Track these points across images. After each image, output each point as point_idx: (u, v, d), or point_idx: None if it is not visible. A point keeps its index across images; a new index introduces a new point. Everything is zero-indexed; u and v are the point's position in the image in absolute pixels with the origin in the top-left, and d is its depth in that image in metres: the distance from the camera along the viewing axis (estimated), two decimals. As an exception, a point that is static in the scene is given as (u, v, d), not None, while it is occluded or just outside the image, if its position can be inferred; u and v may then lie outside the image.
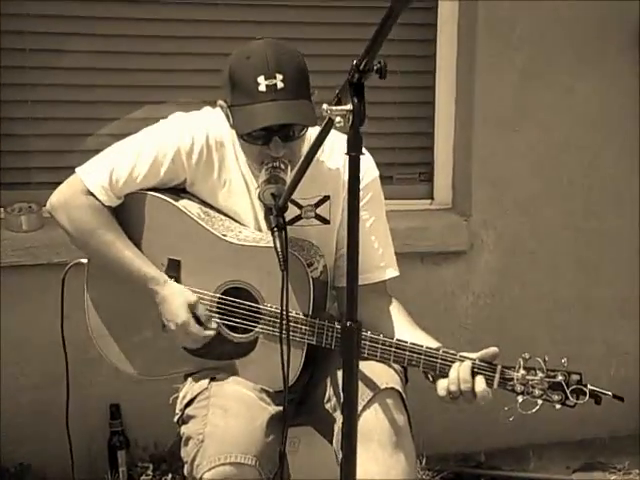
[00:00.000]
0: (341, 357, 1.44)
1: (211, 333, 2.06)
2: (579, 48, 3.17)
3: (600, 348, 3.45)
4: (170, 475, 2.86)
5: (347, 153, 1.35)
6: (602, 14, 3.14)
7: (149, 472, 2.84)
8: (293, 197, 2.09)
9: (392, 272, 2.24)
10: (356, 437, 1.59)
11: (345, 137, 2.14)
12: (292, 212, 2.11)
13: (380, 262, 2.20)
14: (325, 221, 2.17)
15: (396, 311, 2.19)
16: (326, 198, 2.16)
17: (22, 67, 2.95)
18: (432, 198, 3.33)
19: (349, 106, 1.33)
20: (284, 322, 1.93)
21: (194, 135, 2.08)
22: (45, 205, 2.78)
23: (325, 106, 1.35)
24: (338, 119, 1.32)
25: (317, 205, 2.15)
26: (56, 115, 3.03)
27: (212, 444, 1.94)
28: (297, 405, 2.20)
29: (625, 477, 3.18)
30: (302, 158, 1.74)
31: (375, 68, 1.29)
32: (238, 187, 2.15)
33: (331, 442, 2.11)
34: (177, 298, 2.05)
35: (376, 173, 2.19)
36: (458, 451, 3.29)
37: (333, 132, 2.18)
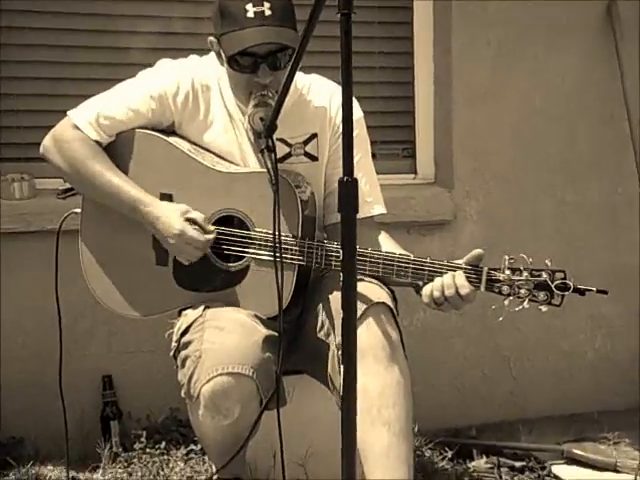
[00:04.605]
0: (339, 213, 1.48)
1: (211, 237, 2.09)
2: (551, 23, 3.31)
3: (584, 321, 3.50)
4: (164, 444, 2.84)
5: (339, 12, 1.42)
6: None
7: (142, 439, 2.81)
8: (282, 136, 2.18)
9: (380, 209, 2.31)
10: (355, 319, 1.60)
11: (329, 82, 2.27)
12: (282, 150, 2.18)
13: (367, 197, 2.27)
14: (314, 158, 2.25)
15: (384, 237, 2.26)
16: (314, 136, 2.24)
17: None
18: (415, 173, 3.42)
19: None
20: (277, 235, 2.00)
21: (180, 79, 2.18)
22: (38, 177, 2.86)
23: None
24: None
25: (305, 143, 2.24)
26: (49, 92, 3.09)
27: (209, 358, 1.98)
28: (290, 343, 2.20)
29: (615, 446, 3.18)
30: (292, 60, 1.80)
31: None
32: (225, 127, 2.23)
33: (326, 383, 2.14)
34: (170, 211, 2.09)
35: (360, 114, 2.27)
36: (449, 426, 3.29)
37: (317, 76, 2.30)
